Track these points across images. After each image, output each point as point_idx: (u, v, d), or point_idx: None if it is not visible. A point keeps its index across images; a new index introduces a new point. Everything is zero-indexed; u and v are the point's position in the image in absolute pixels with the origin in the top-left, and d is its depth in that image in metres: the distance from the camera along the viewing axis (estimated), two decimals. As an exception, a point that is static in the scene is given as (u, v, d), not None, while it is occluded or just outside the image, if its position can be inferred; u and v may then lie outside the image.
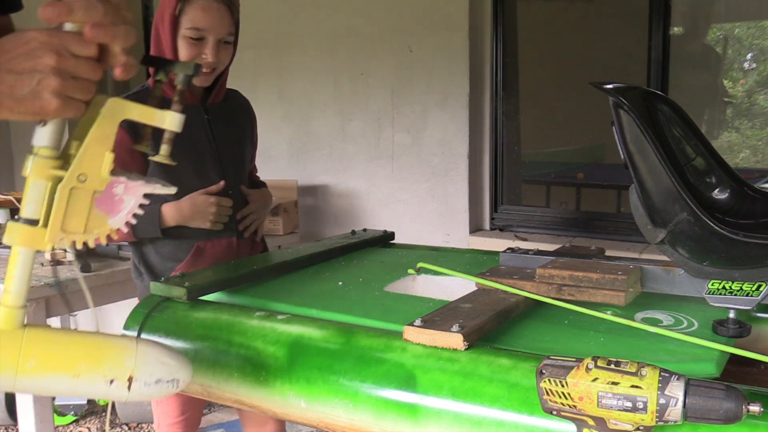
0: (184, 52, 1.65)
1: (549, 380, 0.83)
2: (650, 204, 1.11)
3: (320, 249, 1.68)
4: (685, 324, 1.12)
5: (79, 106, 0.77)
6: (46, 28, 0.75)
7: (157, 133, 0.87)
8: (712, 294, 1.06)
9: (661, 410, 0.77)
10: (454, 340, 1.01)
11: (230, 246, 1.82)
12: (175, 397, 1.76)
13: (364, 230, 1.96)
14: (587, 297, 1.18)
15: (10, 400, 3.03)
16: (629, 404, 0.78)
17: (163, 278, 1.42)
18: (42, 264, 2.22)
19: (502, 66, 2.88)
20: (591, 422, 0.82)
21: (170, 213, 1.72)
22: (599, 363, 0.81)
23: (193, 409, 1.87)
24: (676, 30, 2.67)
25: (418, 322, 1.07)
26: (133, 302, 1.45)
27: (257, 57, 3.27)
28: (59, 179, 0.80)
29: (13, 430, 3.06)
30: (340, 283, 1.47)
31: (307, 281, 1.49)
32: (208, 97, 1.78)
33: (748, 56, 3.32)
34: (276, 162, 3.31)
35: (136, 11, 4.15)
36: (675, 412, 0.77)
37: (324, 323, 1.18)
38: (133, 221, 0.86)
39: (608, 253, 1.54)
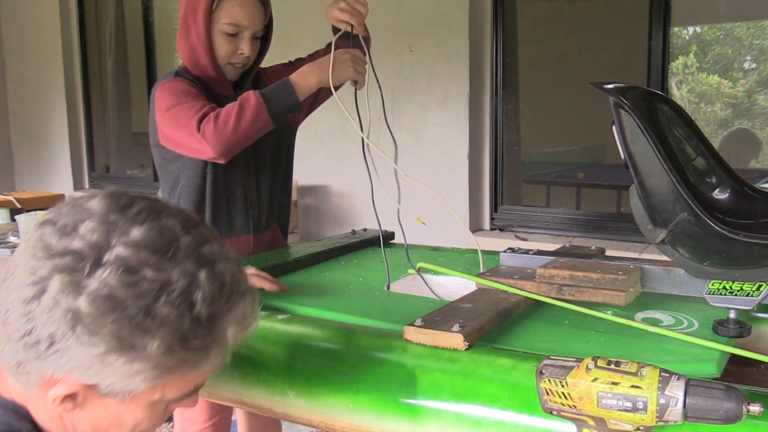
0: (221, 48, 1.64)
1: (549, 380, 0.83)
2: (650, 204, 1.10)
3: (320, 249, 1.68)
4: (686, 324, 1.11)
5: None
6: None
7: None
8: (713, 294, 1.06)
9: (661, 410, 0.77)
10: (454, 340, 1.01)
11: (247, 243, 1.78)
12: (202, 400, 1.61)
13: (364, 230, 1.96)
14: (587, 297, 1.18)
15: None
16: (629, 404, 0.78)
17: None
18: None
19: (502, 66, 2.87)
20: (591, 422, 0.82)
21: (304, 76, 1.58)
22: (599, 363, 0.81)
23: (223, 411, 1.76)
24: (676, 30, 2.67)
25: (418, 322, 1.06)
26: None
27: (257, 57, 3.26)
28: None
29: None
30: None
31: (307, 281, 1.49)
32: (237, 91, 1.73)
33: (748, 56, 3.32)
34: (276, 162, 3.30)
35: (136, 11, 4.14)
36: (675, 412, 0.77)
37: (324, 323, 1.18)
38: None
39: (608, 253, 1.54)
